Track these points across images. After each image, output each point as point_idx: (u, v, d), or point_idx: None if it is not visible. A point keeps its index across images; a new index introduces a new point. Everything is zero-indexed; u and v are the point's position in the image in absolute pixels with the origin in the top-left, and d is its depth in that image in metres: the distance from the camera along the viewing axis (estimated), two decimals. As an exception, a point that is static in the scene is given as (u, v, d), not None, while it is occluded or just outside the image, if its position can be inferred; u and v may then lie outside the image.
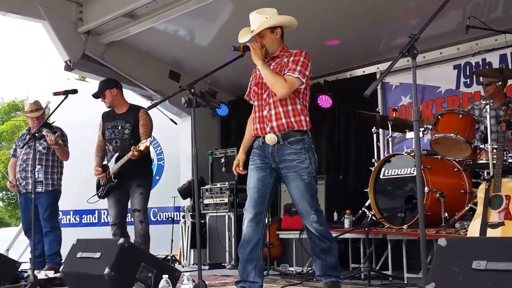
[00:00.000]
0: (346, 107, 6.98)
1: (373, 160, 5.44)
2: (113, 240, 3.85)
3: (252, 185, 3.73)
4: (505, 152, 4.04)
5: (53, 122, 6.04)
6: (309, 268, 5.41)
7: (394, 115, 5.43)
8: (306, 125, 3.71)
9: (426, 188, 4.44)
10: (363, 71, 6.95)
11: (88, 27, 6.74)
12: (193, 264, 6.97)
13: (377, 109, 6.06)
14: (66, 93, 4.83)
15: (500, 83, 4.60)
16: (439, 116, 4.68)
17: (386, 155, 5.10)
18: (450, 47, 6.11)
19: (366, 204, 5.29)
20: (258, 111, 3.78)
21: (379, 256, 5.11)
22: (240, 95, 6.08)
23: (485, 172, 4.58)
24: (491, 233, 3.60)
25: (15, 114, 29.12)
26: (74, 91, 4.89)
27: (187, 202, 7.55)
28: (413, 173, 4.64)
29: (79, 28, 6.78)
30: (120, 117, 5.31)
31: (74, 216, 8.58)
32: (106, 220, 8.47)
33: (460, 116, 4.56)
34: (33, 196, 4.77)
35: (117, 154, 5.17)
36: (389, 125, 5.26)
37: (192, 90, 3.55)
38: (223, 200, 6.82)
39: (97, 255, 3.75)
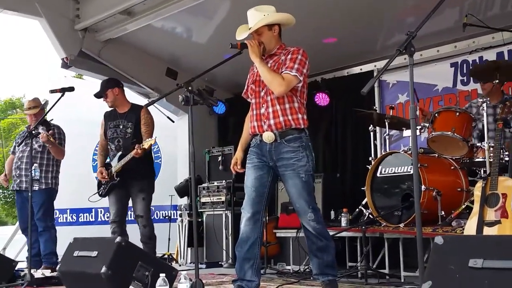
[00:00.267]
0: (343, 105, 6.98)
1: (370, 158, 5.45)
2: (110, 239, 3.84)
3: (250, 184, 3.73)
4: (501, 150, 4.04)
5: (51, 120, 6.02)
6: (306, 267, 5.41)
7: (391, 113, 5.43)
8: (304, 123, 3.71)
9: (423, 187, 4.44)
10: (360, 69, 6.95)
11: (85, 24, 6.72)
12: (190, 263, 6.97)
13: (374, 107, 6.07)
14: (63, 90, 4.82)
15: (497, 81, 4.59)
16: (436, 114, 4.68)
17: (383, 153, 5.10)
18: (447, 45, 6.11)
19: (363, 202, 5.29)
20: (256, 109, 3.78)
21: (376, 254, 5.12)
22: (237, 93, 6.09)
23: (482, 170, 4.58)
24: (487, 231, 3.61)
25: (12, 112, 29.08)
26: (71, 89, 4.88)
27: (184, 201, 7.55)
28: (410, 171, 4.64)
29: (76, 25, 6.76)
30: (122, 116, 5.36)
31: (71, 215, 8.56)
32: (103, 219, 8.48)
33: (457, 114, 4.56)
34: (29, 194, 4.76)
35: (120, 153, 5.21)
36: (386, 123, 5.26)
37: (190, 88, 3.54)
38: (220, 198, 6.81)
39: (94, 253, 3.75)
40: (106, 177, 5.25)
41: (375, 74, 6.60)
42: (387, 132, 5.34)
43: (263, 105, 3.73)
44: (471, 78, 5.85)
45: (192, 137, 3.53)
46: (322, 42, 6.50)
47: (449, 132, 4.49)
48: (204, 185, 7.09)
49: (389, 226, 4.73)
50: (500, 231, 3.56)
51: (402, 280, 4.59)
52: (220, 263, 6.62)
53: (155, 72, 7.47)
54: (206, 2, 5.75)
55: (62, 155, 5.95)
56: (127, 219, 5.42)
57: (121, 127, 5.31)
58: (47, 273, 5.02)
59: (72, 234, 4.65)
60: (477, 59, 5.85)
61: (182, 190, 7.43)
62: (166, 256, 7.27)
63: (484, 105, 4.39)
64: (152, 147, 5.24)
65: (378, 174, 4.96)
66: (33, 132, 5.00)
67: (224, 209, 6.74)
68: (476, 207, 3.76)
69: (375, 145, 5.82)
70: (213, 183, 6.98)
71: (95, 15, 6.56)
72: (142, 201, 5.19)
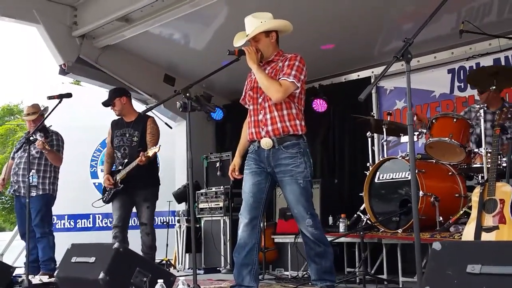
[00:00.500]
0: (341, 111, 6.98)
1: (368, 164, 5.44)
2: (108, 245, 3.83)
3: (248, 189, 3.73)
4: (499, 156, 4.05)
5: (50, 126, 6.02)
6: (304, 272, 5.40)
7: (388, 119, 5.44)
8: (301, 129, 3.72)
9: (420, 192, 4.44)
10: (358, 75, 6.96)
11: (83, 31, 6.72)
12: (188, 269, 6.95)
13: (372, 113, 6.07)
14: (61, 97, 4.84)
15: (494, 87, 4.60)
16: (433, 120, 4.68)
17: (381, 159, 5.11)
18: (444, 51, 6.13)
19: (361, 208, 5.29)
20: (254, 116, 3.79)
21: (374, 260, 5.12)
22: (235, 99, 6.09)
23: (480, 176, 4.59)
24: (485, 237, 3.61)
25: (9, 118, 29.03)
26: (69, 95, 4.89)
27: (182, 207, 7.54)
28: (407, 177, 4.65)
29: (74, 32, 6.76)
30: (129, 125, 5.48)
31: (68, 221, 8.54)
32: (101, 225, 8.47)
33: (455, 120, 4.56)
34: (27, 200, 4.76)
35: (125, 161, 5.32)
36: (384, 129, 5.27)
37: (187, 94, 3.55)
38: (218, 204, 6.80)
39: (92, 259, 3.74)
40: (112, 184, 5.33)
41: (372, 80, 6.61)
42: (385, 138, 5.34)
43: (261, 111, 3.74)
44: (468, 84, 5.87)
45: (190, 143, 3.53)
46: (319, 48, 6.51)
47: (447, 138, 4.50)
48: (202, 191, 7.08)
49: (387, 232, 4.73)
50: (498, 237, 3.57)
51: (400, 286, 4.58)
52: (218, 268, 6.60)
53: (152, 79, 7.48)
54: (204, 9, 5.76)
55: (59, 161, 5.95)
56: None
57: (127, 135, 5.43)
58: (45, 279, 5.02)
59: (70, 240, 4.64)
60: (474, 65, 5.86)
61: (180, 196, 7.43)
62: (164, 262, 7.25)
63: (482, 111, 4.40)
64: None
65: (376, 180, 4.96)
66: (31, 138, 5.00)
67: (222, 215, 6.73)
68: (474, 213, 3.76)
69: (373, 151, 5.83)
70: (211, 189, 6.98)
71: (93, 21, 6.56)
72: (147, 209, 5.33)
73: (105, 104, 5.54)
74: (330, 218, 5.83)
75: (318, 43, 6.42)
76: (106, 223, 8.51)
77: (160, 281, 3.26)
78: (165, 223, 7.92)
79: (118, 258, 3.65)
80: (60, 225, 8.40)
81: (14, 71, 51.97)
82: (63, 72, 6.91)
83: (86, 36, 6.83)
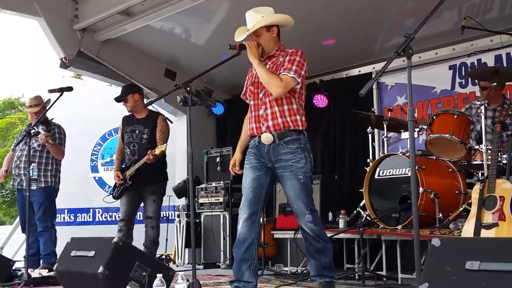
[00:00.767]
0: (342, 107, 6.98)
1: (368, 160, 5.44)
2: (108, 239, 3.83)
3: (247, 184, 3.73)
4: (499, 153, 4.05)
5: (52, 119, 6.01)
6: (303, 268, 5.41)
7: (389, 115, 5.44)
8: (302, 124, 3.71)
9: (420, 189, 4.44)
10: (359, 71, 6.95)
11: (84, 24, 6.72)
12: (187, 264, 6.97)
13: (373, 109, 6.07)
14: (62, 90, 4.84)
15: (494, 84, 4.59)
16: (434, 117, 4.68)
17: (381, 155, 5.10)
18: (446, 47, 6.12)
19: (361, 204, 5.30)
20: (254, 111, 3.78)
21: (373, 256, 5.13)
22: (236, 94, 6.08)
23: (480, 173, 4.59)
24: (485, 234, 3.61)
25: (10, 112, 29.00)
26: (69, 89, 4.88)
27: (182, 201, 7.54)
28: (407, 174, 4.64)
29: (75, 25, 6.76)
30: (139, 121, 5.50)
31: (68, 215, 8.55)
32: (101, 219, 8.48)
33: (455, 116, 4.55)
34: (27, 194, 4.75)
35: (135, 158, 5.36)
36: (384, 125, 5.26)
37: (188, 89, 3.54)
38: (218, 199, 6.81)
39: (91, 253, 3.74)
40: (122, 180, 5.38)
41: (373, 76, 6.60)
42: (385, 134, 5.34)
43: (262, 106, 3.73)
44: (469, 81, 5.86)
45: (190, 138, 3.53)
46: (321, 43, 6.51)
47: (447, 135, 4.49)
48: (202, 186, 7.09)
49: (387, 228, 4.73)
50: (497, 234, 3.57)
51: (399, 282, 4.59)
52: (217, 264, 6.62)
53: (153, 73, 7.48)
54: (205, 3, 5.76)
55: (62, 155, 5.94)
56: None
57: (137, 132, 5.45)
58: (44, 272, 5.01)
59: (70, 234, 4.64)
60: (475, 61, 5.86)
61: (180, 191, 7.43)
62: (163, 256, 7.26)
63: (482, 108, 4.39)
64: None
65: (376, 176, 4.96)
66: (32, 131, 4.99)
67: (222, 210, 6.74)
68: (473, 210, 3.76)
69: (373, 147, 5.82)
70: (211, 184, 6.98)
71: (94, 15, 6.56)
72: (153, 203, 5.37)
73: (118, 99, 5.55)
74: (330, 214, 5.83)
75: (319, 38, 6.41)
76: (106, 217, 8.53)
77: (159, 275, 3.26)
78: (165, 218, 7.90)
79: (117, 252, 3.66)
80: (60, 219, 8.40)
81: (15, 65, 51.93)
82: (64, 65, 6.90)
83: (87, 30, 6.83)
